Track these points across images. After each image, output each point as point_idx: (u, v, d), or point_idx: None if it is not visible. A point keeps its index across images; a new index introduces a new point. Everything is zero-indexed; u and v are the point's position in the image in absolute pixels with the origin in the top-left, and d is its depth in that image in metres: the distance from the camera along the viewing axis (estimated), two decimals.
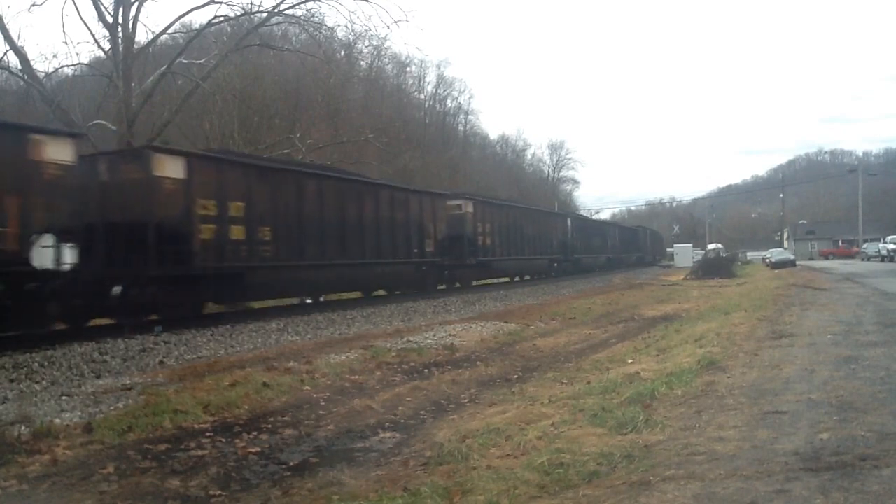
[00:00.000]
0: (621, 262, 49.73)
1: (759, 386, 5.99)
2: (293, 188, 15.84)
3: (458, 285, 24.59)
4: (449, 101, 65.73)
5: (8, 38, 20.12)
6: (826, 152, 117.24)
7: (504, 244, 27.74)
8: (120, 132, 20.55)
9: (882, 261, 44.70)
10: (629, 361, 8.57)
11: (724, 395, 5.70)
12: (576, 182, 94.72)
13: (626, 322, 14.95)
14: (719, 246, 56.79)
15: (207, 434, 5.83)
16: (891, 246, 45.31)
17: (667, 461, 4.02)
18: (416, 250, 20.59)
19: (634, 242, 57.61)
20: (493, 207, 27.61)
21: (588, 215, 67.78)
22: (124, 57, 21.19)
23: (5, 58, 21.29)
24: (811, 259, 63.45)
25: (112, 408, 6.52)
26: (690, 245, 64.78)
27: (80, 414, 6.29)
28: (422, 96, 60.99)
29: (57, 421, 5.97)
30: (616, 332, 13.25)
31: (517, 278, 31.35)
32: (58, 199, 10.34)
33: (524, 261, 30.40)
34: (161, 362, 9.25)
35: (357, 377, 8.31)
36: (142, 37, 23.35)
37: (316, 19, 24.18)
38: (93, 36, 22.78)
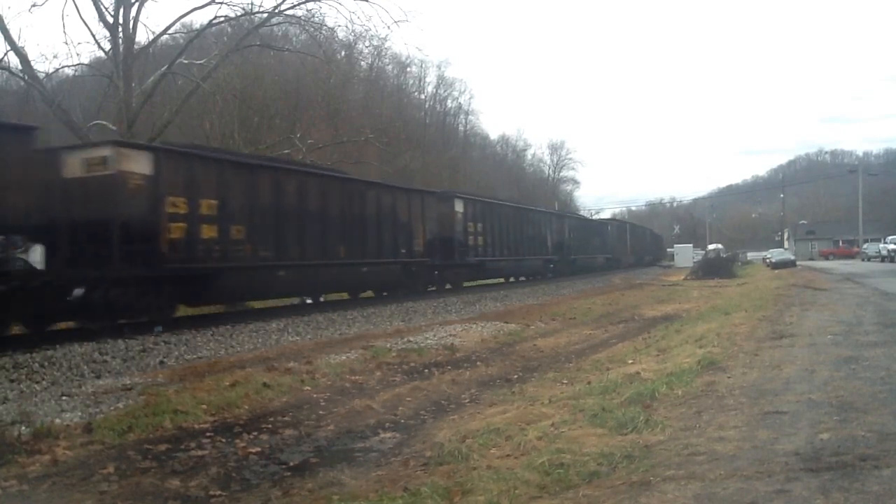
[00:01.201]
0: (575, 266, 37.45)
1: (759, 386, 5.99)
2: None
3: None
4: (449, 102, 65.74)
5: (8, 39, 20.11)
6: (826, 152, 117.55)
7: (270, 241, 14.65)
8: (120, 132, 20.54)
9: (882, 261, 44.68)
10: (629, 361, 8.57)
11: (725, 396, 5.70)
12: (576, 182, 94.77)
13: (626, 322, 14.95)
14: (719, 246, 56.79)
15: (208, 434, 5.83)
16: (891, 246, 45.28)
17: (667, 461, 4.02)
18: None
19: (600, 240, 44.53)
20: (239, 172, 14.18)
21: (588, 214, 66.38)
22: (125, 57, 21.19)
23: (6, 58, 21.27)
24: (811, 259, 63.47)
25: (112, 408, 6.52)
26: (691, 245, 64.77)
27: (80, 414, 6.29)
28: (422, 96, 60.99)
29: (57, 421, 5.97)
30: (616, 332, 13.24)
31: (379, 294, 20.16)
32: None
33: (343, 268, 17.47)
34: (161, 362, 9.25)
35: (357, 377, 8.31)
36: (142, 37, 23.35)
37: (316, 20, 24.17)
38: (93, 36, 22.77)
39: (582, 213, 68.87)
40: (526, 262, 30.51)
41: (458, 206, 23.82)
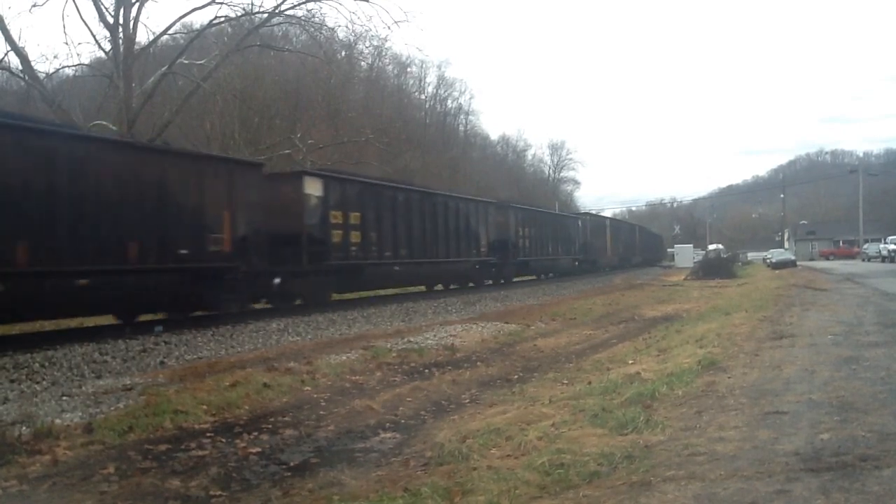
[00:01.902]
0: (528, 269, 31.03)
1: (759, 386, 5.99)
2: None
3: None
4: (449, 102, 65.75)
5: (9, 39, 20.16)
6: (826, 153, 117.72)
7: None
8: (120, 133, 20.56)
9: (883, 261, 44.67)
10: (630, 362, 8.57)
11: (725, 396, 5.70)
12: (576, 182, 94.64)
13: (626, 322, 14.94)
14: (720, 246, 56.78)
15: (208, 434, 5.83)
16: (891, 246, 45.24)
17: (667, 461, 4.02)
18: None
19: (567, 238, 36.87)
20: None
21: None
22: (125, 57, 21.21)
23: (6, 58, 21.35)
24: (812, 259, 63.44)
25: (112, 408, 6.52)
26: (691, 245, 64.63)
27: (80, 414, 6.29)
28: (422, 97, 61.00)
29: (58, 421, 5.97)
30: (616, 332, 13.24)
31: None
32: None
33: None
34: (162, 362, 9.26)
35: (357, 377, 8.31)
36: (142, 37, 23.39)
37: (316, 20, 24.19)
38: (93, 36, 22.81)
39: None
40: (446, 266, 23.32)
41: (313, 188, 16.50)
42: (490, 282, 27.32)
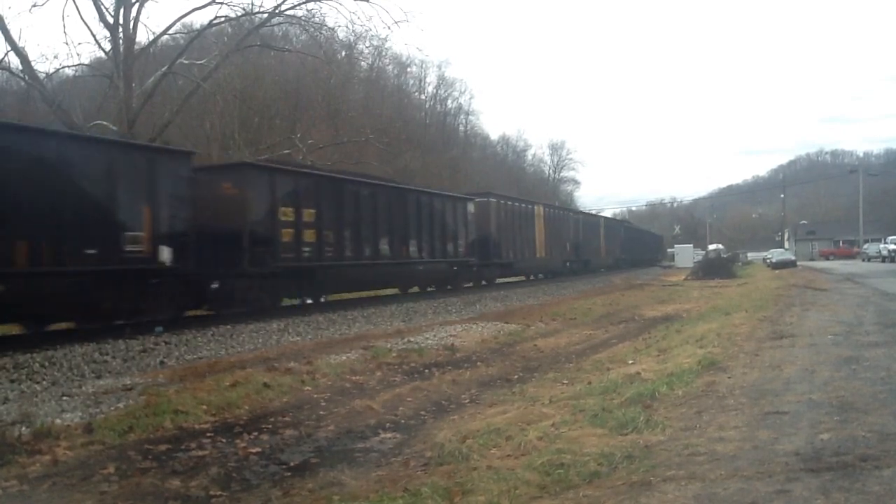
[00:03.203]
0: (324, 283, 16.80)
1: (759, 386, 5.99)
2: None
3: None
4: (449, 102, 65.72)
5: (9, 39, 20.15)
6: (827, 153, 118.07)
7: None
8: (120, 133, 20.56)
9: (883, 261, 44.65)
10: (630, 362, 8.56)
11: (725, 396, 5.70)
12: (576, 182, 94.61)
13: (626, 322, 14.93)
14: (720, 246, 56.76)
15: (208, 434, 5.83)
16: (891, 246, 45.22)
17: (667, 461, 4.02)
18: None
19: (430, 229, 21.66)
20: None
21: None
22: (125, 57, 21.21)
23: (6, 58, 21.34)
24: (812, 259, 63.44)
25: (113, 408, 6.52)
26: (691, 245, 64.57)
27: (80, 414, 6.29)
28: (422, 97, 60.98)
29: (57, 421, 5.97)
30: (617, 332, 13.23)
31: None
32: None
33: None
34: (162, 362, 9.26)
35: (358, 377, 8.31)
36: (142, 37, 23.39)
37: (316, 20, 24.21)
38: (93, 36, 22.82)
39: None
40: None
41: None
42: (171, 314, 12.90)
